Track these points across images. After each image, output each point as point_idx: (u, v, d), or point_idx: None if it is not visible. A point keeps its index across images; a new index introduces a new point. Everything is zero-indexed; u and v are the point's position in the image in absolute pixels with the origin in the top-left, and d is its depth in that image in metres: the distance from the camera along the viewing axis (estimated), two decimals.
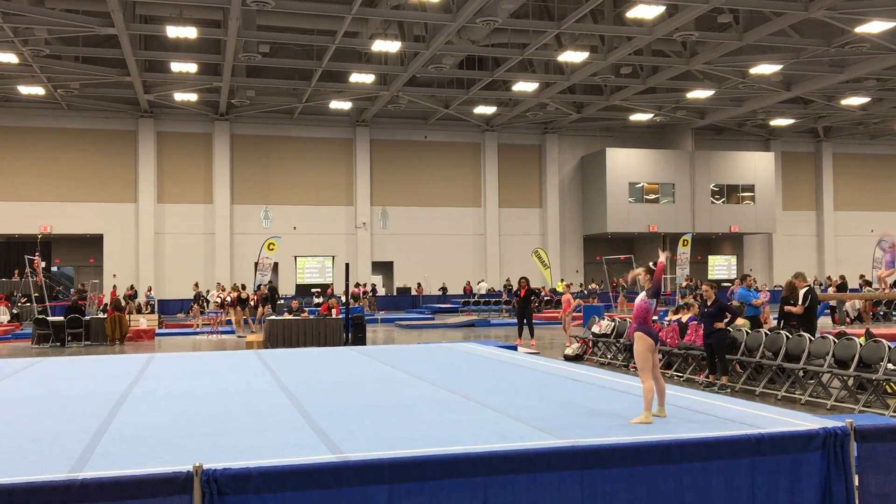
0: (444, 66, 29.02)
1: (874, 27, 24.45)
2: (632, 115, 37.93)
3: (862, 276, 27.99)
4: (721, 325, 11.55)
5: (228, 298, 25.02)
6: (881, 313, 26.20)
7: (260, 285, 27.16)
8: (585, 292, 34.26)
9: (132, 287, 33.29)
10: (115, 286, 32.74)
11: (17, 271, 32.54)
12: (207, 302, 27.34)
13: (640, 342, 7.23)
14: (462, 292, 37.69)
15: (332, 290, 34.93)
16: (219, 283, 30.41)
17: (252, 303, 25.19)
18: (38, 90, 31.66)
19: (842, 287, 25.50)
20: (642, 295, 7.44)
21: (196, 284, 29.02)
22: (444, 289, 38.44)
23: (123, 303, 24.32)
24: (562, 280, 35.30)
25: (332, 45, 26.38)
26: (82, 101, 34.11)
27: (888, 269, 23.20)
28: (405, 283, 38.98)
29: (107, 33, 25.37)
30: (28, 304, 28.54)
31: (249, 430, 7.02)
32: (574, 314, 20.39)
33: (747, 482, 5.00)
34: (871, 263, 36.76)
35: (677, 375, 12.89)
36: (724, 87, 32.39)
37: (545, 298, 33.11)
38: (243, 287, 26.58)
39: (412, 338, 22.05)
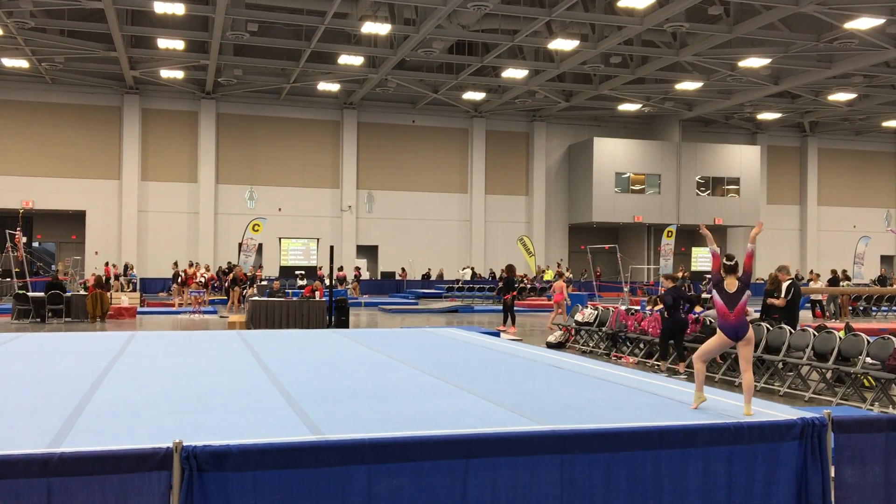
0: (434, 51, 28.89)
1: (863, 23, 24.55)
2: (620, 104, 37.95)
3: (844, 272, 28.25)
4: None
5: (202, 278, 24.92)
6: (861, 308, 26.47)
7: (237, 266, 27.06)
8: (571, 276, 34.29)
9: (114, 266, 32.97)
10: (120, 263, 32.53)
11: None
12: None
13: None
14: (449, 277, 37.62)
15: (321, 272, 34.47)
16: (207, 265, 30.28)
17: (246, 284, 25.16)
18: (23, 63, 31.23)
19: (833, 282, 25.78)
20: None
21: (175, 263, 28.83)
22: (428, 274, 38.38)
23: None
24: (547, 268, 35.42)
25: (321, 25, 26.19)
26: (67, 76, 33.68)
27: None
28: (390, 267, 38.93)
29: (93, 7, 25.05)
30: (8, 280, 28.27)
31: (230, 409, 7.01)
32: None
33: (724, 470, 5.04)
34: (853, 259, 37.23)
35: (657, 365, 12.95)
36: (712, 79, 32.47)
37: (526, 286, 32.93)
38: (230, 266, 26.56)
39: (395, 322, 22.04)
